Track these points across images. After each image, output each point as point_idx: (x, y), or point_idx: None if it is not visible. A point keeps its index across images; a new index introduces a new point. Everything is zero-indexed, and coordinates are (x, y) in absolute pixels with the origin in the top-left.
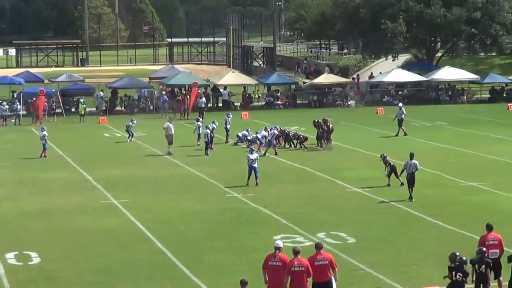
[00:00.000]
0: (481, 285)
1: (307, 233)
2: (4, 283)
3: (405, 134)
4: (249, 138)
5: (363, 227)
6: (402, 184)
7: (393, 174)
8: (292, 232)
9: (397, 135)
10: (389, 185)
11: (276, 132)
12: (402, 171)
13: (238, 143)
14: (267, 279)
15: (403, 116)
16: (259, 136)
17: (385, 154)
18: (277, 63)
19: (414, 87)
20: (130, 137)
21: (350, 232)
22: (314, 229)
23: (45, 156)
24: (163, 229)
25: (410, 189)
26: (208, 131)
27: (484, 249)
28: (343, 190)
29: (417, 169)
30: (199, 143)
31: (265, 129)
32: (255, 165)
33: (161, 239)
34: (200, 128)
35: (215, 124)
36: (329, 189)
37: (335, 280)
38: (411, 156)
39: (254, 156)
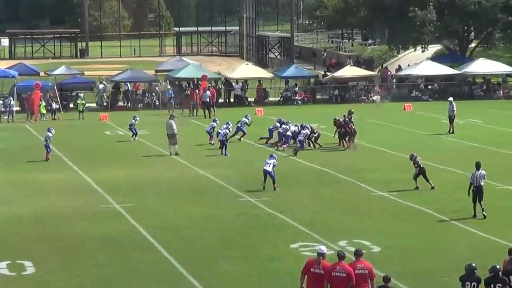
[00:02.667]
0: None
1: (327, 241)
2: None
3: (451, 132)
4: (220, 131)
5: (389, 234)
6: (432, 187)
7: (421, 176)
8: (310, 240)
9: (451, 131)
10: (417, 187)
11: (308, 132)
12: (470, 186)
13: (212, 142)
14: (304, 286)
15: (454, 112)
16: (288, 132)
17: (415, 154)
18: (294, 55)
19: (445, 81)
20: (134, 136)
21: (375, 240)
22: (335, 237)
23: (47, 159)
24: (170, 236)
25: (477, 204)
26: (226, 131)
27: (498, 266)
28: (367, 194)
29: (484, 179)
30: (212, 141)
31: (295, 126)
32: (269, 168)
33: (167, 247)
34: (214, 130)
35: (229, 129)
36: (352, 193)
37: None
38: (478, 166)
39: (271, 161)
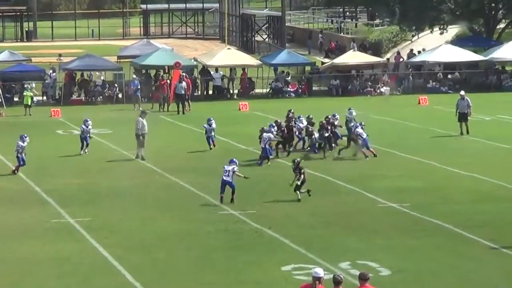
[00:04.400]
0: None
1: (326, 263)
2: None
3: (466, 133)
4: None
5: (401, 254)
6: (299, 200)
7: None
8: (306, 261)
9: (463, 133)
10: (299, 200)
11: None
12: None
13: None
14: None
15: (468, 109)
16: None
17: (298, 159)
18: (286, 38)
19: (469, 69)
20: (85, 148)
21: (384, 261)
22: (336, 257)
23: (15, 171)
24: (136, 257)
25: None
26: (270, 135)
27: None
28: (373, 205)
29: None
30: (211, 146)
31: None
32: (228, 178)
33: (132, 270)
34: (212, 131)
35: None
36: (356, 204)
37: None
38: None
39: (230, 167)
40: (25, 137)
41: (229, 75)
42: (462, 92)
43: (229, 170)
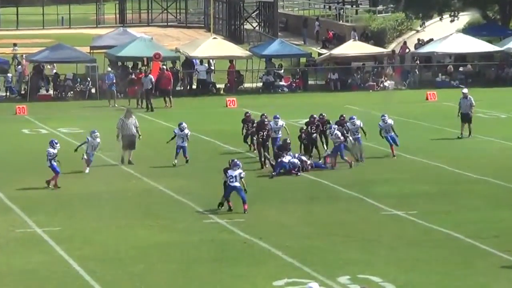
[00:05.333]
0: None
1: (323, 277)
2: None
3: (468, 135)
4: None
5: (407, 267)
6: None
7: None
8: (300, 275)
9: (464, 135)
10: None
11: (339, 134)
12: None
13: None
14: None
15: (472, 109)
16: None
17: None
18: (279, 26)
19: (482, 61)
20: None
21: (387, 274)
22: (334, 271)
23: (54, 186)
24: (111, 271)
25: None
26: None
27: None
28: (376, 213)
29: None
30: (175, 161)
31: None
32: (236, 183)
33: (107, 286)
34: (183, 139)
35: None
36: (356, 212)
37: None
38: None
39: (236, 172)
40: (55, 143)
41: (208, 68)
42: (465, 90)
43: (235, 176)
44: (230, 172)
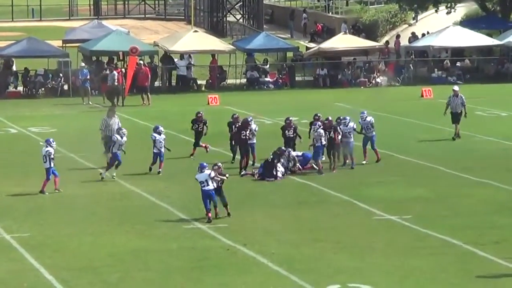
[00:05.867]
0: None
1: (312, 286)
2: None
3: (458, 136)
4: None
5: (400, 276)
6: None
7: None
8: (287, 285)
9: (456, 137)
10: None
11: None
12: None
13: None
14: None
15: (462, 108)
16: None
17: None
18: (264, 18)
19: (481, 56)
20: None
21: (380, 284)
22: (323, 280)
23: (56, 190)
24: (84, 280)
25: None
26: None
27: None
28: (368, 218)
29: None
30: (160, 169)
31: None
32: (209, 186)
33: None
34: (160, 144)
35: (160, 133)
36: (347, 217)
37: None
38: None
39: (205, 173)
40: (52, 141)
41: (188, 63)
42: (456, 88)
43: (205, 180)
44: (198, 177)
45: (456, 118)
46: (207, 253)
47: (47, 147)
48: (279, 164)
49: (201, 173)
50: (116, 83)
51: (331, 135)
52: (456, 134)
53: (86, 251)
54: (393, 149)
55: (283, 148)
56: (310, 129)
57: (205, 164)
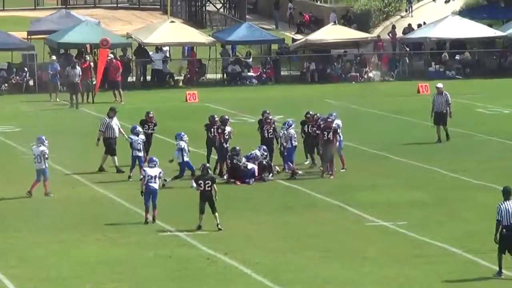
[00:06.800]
0: None
1: None
2: None
3: (446, 138)
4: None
5: (395, 286)
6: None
7: None
8: None
9: (443, 139)
10: None
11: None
12: (498, 226)
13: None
14: None
15: (448, 108)
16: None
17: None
18: (247, 7)
19: (482, 48)
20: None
21: None
22: None
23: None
24: None
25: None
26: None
27: None
28: (359, 224)
29: None
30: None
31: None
32: (155, 184)
33: None
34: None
35: (138, 134)
36: (337, 223)
37: None
38: (507, 193)
39: (155, 171)
40: (44, 139)
41: (164, 57)
42: (440, 85)
43: (154, 176)
44: (148, 170)
45: (440, 118)
46: (186, 263)
47: (40, 146)
48: (248, 163)
49: (152, 168)
50: (77, 80)
51: (329, 136)
52: (439, 138)
53: (54, 261)
54: (387, 149)
55: (237, 147)
56: (302, 129)
57: (154, 158)
